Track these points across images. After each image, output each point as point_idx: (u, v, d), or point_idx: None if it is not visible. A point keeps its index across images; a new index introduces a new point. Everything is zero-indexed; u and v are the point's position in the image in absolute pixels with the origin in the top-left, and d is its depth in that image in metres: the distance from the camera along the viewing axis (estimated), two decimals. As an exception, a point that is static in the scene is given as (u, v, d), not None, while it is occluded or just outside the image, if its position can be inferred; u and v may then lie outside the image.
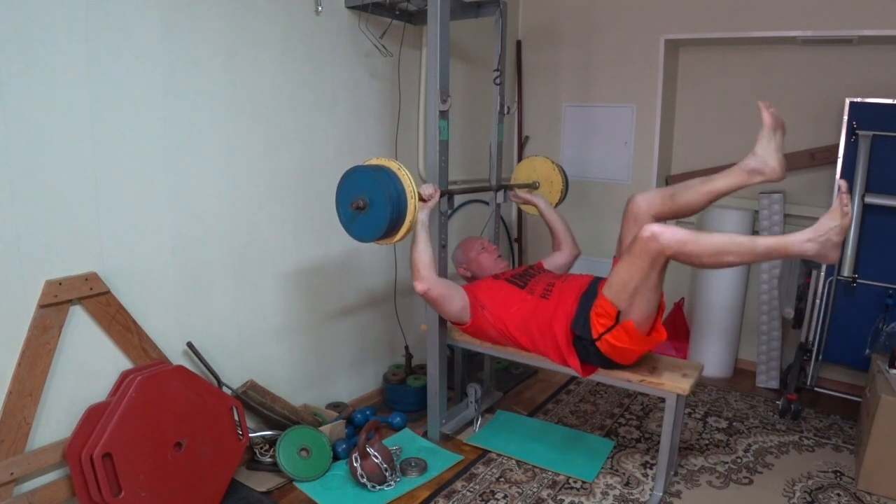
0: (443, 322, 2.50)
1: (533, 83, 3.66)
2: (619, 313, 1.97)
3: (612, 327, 1.99)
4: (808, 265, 3.00)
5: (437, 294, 2.19)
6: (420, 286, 2.16)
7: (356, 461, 2.21)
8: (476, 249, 2.58)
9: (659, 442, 2.26)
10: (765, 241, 1.81)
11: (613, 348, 2.02)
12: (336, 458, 2.38)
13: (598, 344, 2.03)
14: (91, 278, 1.86)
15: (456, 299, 2.26)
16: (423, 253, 2.16)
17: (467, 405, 2.76)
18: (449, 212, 2.41)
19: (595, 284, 2.18)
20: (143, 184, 1.99)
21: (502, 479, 2.34)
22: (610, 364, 2.11)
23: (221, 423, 2.08)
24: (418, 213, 2.09)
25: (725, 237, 1.83)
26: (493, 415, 2.85)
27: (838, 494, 2.25)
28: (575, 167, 3.49)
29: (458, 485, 2.30)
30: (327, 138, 2.58)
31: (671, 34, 3.12)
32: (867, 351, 2.66)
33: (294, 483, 2.24)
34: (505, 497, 2.23)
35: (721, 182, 2.07)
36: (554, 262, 2.64)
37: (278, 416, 2.35)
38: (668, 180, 3.44)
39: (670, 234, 1.80)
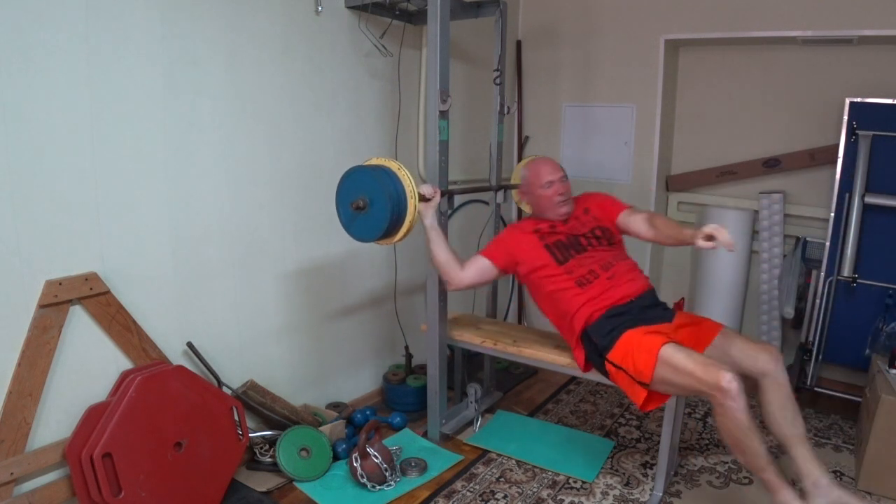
0: (443, 322, 2.50)
1: (533, 83, 3.66)
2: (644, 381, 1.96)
3: (622, 369, 2.01)
4: (808, 265, 3.00)
5: (469, 284, 2.26)
6: (450, 287, 2.26)
7: (356, 461, 2.21)
8: (543, 185, 2.29)
9: (659, 442, 2.25)
10: (771, 476, 1.81)
11: (613, 376, 2.07)
12: (336, 458, 2.38)
13: (606, 364, 2.07)
14: (91, 278, 1.86)
15: (487, 277, 2.31)
16: (441, 255, 2.21)
17: (467, 405, 2.76)
18: (449, 212, 2.41)
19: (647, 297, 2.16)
20: (143, 184, 1.99)
21: (502, 479, 2.34)
22: (606, 376, 2.14)
23: (221, 423, 2.08)
24: (423, 220, 2.14)
25: (758, 444, 1.80)
26: (493, 415, 2.85)
27: (838, 494, 2.24)
28: (575, 167, 3.49)
29: (458, 485, 2.30)
30: (327, 138, 2.58)
31: (671, 34, 3.12)
32: (867, 351, 2.66)
33: (294, 483, 2.24)
34: (505, 497, 2.22)
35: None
36: (637, 225, 2.25)
37: (278, 416, 2.35)
38: (668, 180, 3.44)
39: (738, 408, 1.76)
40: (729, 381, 1.75)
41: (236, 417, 2.13)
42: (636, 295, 2.15)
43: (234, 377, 2.32)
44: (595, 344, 2.08)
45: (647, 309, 2.14)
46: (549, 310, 2.25)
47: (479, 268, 2.27)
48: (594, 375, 2.24)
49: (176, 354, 2.15)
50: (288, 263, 2.51)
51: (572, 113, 3.57)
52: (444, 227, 2.39)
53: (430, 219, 2.19)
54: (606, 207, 2.34)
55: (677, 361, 1.86)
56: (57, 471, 1.87)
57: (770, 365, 2.00)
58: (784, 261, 3.07)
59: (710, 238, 1.87)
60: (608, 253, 2.24)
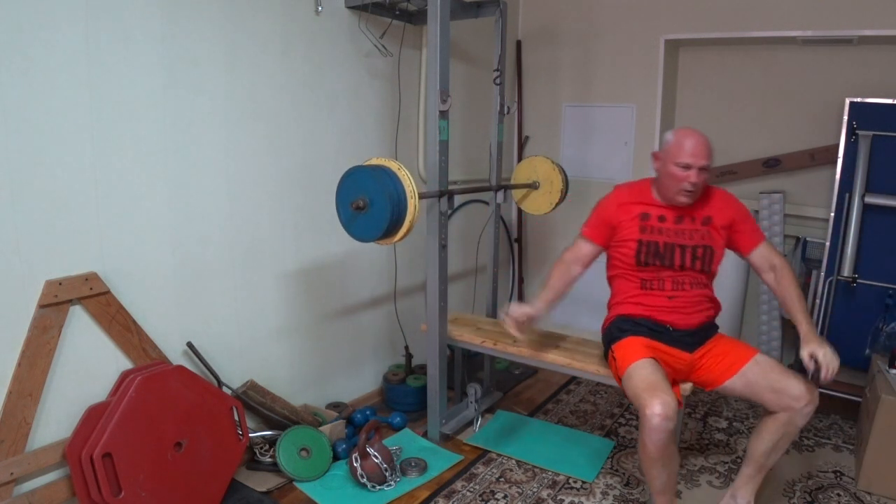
0: (443, 322, 2.50)
1: (533, 83, 3.66)
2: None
3: (615, 359, 2.05)
4: (808, 265, 3.00)
5: (590, 263, 2.21)
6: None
7: (356, 461, 2.21)
8: (679, 163, 1.95)
9: (659, 442, 2.25)
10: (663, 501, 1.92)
11: (609, 363, 2.12)
12: (336, 458, 2.38)
13: (609, 353, 2.11)
14: (91, 278, 1.86)
15: (596, 256, 2.21)
16: (560, 291, 2.20)
17: (467, 405, 2.76)
18: (449, 212, 2.41)
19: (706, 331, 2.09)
20: (143, 184, 1.99)
21: (502, 479, 2.34)
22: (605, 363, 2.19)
23: (221, 423, 2.08)
24: (532, 313, 2.12)
25: (657, 475, 1.85)
26: (493, 415, 2.85)
27: (838, 494, 2.25)
28: (575, 167, 3.49)
29: (458, 485, 2.30)
30: (327, 138, 2.58)
31: (671, 34, 3.12)
32: (867, 351, 2.66)
33: (294, 483, 2.24)
34: (505, 497, 2.22)
35: None
36: (761, 265, 2.10)
37: (278, 416, 2.35)
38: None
39: (650, 440, 1.76)
40: (652, 414, 1.73)
41: (236, 417, 2.13)
42: (678, 326, 2.05)
43: (234, 377, 2.32)
44: (611, 333, 2.11)
45: (675, 339, 2.05)
46: (612, 289, 2.23)
47: (586, 256, 2.19)
48: (594, 376, 2.25)
49: (176, 354, 2.15)
50: (288, 263, 2.51)
51: (572, 113, 3.57)
52: (443, 228, 2.39)
53: (533, 309, 2.15)
54: (738, 231, 2.09)
55: (635, 377, 1.88)
56: (57, 471, 1.87)
57: (795, 403, 1.86)
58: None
59: (813, 359, 1.84)
60: (689, 276, 2.06)
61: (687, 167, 1.94)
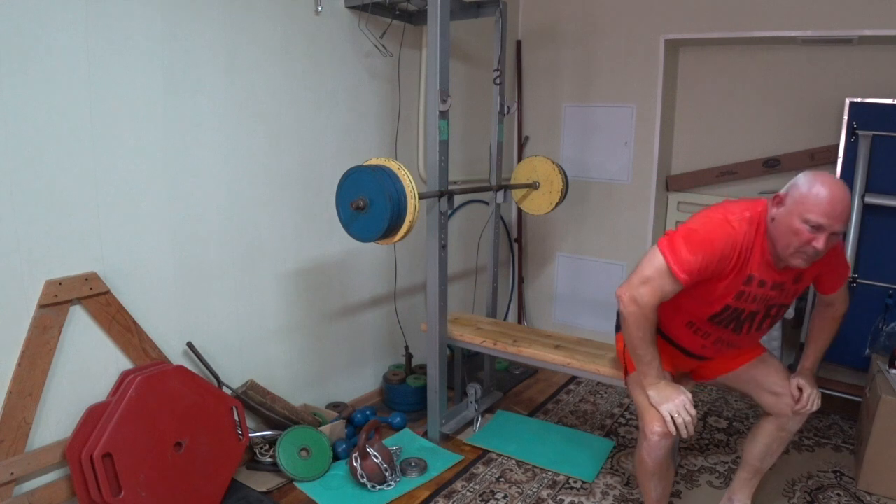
0: (443, 322, 2.50)
1: (533, 83, 3.66)
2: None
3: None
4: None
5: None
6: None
7: (356, 461, 2.21)
8: (809, 220, 1.55)
9: (659, 442, 2.25)
10: None
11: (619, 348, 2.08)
12: (336, 458, 2.38)
13: (618, 336, 2.06)
14: (91, 278, 1.86)
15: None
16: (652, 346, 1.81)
17: (467, 405, 2.76)
18: (449, 212, 2.41)
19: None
20: (143, 184, 1.99)
21: (502, 479, 2.34)
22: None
23: (221, 423, 2.08)
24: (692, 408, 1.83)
25: (653, 489, 1.87)
26: (493, 415, 2.85)
27: (838, 494, 2.25)
28: (575, 167, 3.49)
29: (458, 485, 2.30)
30: (327, 138, 2.58)
31: (671, 34, 3.12)
32: (867, 351, 2.66)
33: (294, 483, 2.24)
34: (505, 497, 2.22)
35: None
36: (826, 297, 1.91)
37: (278, 416, 2.35)
38: (668, 180, 3.44)
39: (649, 457, 1.78)
40: (652, 432, 1.75)
41: (236, 417, 2.13)
42: (696, 355, 1.98)
43: (234, 377, 2.32)
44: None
45: (689, 355, 2.00)
46: (661, 319, 1.88)
47: (667, 299, 1.74)
48: (594, 375, 2.24)
49: (176, 354, 2.15)
50: (288, 263, 2.51)
51: (572, 113, 3.57)
52: (443, 228, 2.39)
53: (688, 398, 1.85)
54: (821, 277, 1.83)
55: (641, 387, 1.86)
56: (57, 471, 1.87)
57: (787, 410, 1.91)
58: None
59: (799, 389, 1.89)
60: (746, 339, 1.90)
61: (817, 228, 1.54)
